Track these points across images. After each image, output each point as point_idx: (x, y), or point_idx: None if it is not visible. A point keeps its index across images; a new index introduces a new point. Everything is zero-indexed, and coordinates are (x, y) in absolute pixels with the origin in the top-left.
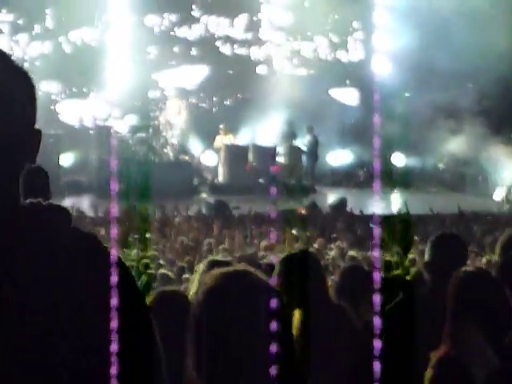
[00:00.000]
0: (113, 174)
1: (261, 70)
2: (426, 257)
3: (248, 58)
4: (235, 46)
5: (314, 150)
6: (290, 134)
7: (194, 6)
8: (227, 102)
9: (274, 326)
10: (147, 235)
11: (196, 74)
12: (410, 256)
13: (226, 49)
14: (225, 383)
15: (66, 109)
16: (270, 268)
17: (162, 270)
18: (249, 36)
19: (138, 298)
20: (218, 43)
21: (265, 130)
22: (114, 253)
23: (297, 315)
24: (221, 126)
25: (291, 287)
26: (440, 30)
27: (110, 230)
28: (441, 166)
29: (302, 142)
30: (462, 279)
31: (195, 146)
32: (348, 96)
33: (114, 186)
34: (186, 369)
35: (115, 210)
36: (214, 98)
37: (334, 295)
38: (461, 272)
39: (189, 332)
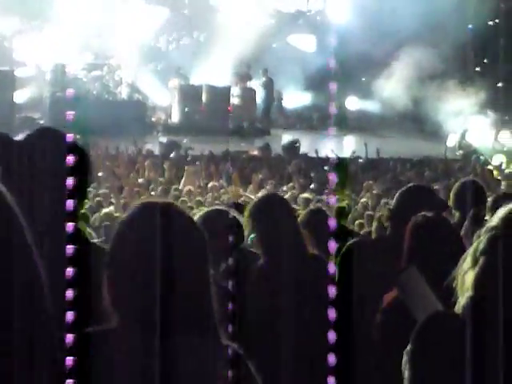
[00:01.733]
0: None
1: (220, 16)
2: (393, 205)
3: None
4: None
5: (269, 92)
6: (246, 76)
7: None
8: (183, 42)
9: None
10: (99, 173)
11: (154, 14)
12: (363, 200)
13: None
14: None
15: (20, 45)
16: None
17: (108, 209)
18: None
19: None
20: None
21: (219, 71)
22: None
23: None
24: (179, 67)
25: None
26: None
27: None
28: (397, 110)
29: (257, 84)
30: (416, 224)
31: (150, 85)
32: (306, 42)
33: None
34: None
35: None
36: (170, 38)
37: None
38: (418, 216)
39: (104, 262)
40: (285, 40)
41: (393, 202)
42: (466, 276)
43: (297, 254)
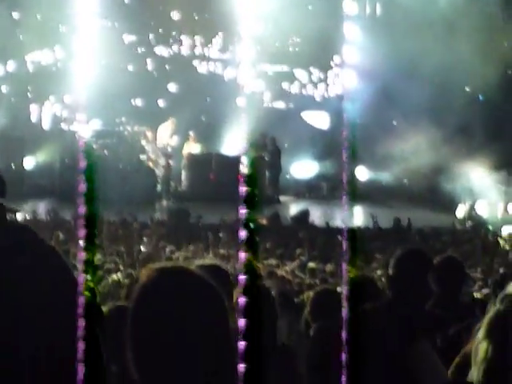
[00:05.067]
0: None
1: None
2: (390, 271)
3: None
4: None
5: (277, 161)
6: (259, 145)
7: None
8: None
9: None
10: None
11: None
12: (379, 272)
13: (202, 68)
14: (161, 377)
15: (31, 111)
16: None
17: (116, 276)
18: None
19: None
20: (194, 62)
21: (230, 140)
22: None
23: None
24: (190, 133)
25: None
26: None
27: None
28: (406, 180)
29: (265, 153)
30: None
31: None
32: (319, 119)
33: (81, 189)
34: (127, 364)
35: (83, 212)
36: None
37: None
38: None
39: (126, 327)
40: (298, 116)
41: (390, 268)
42: (480, 346)
43: None
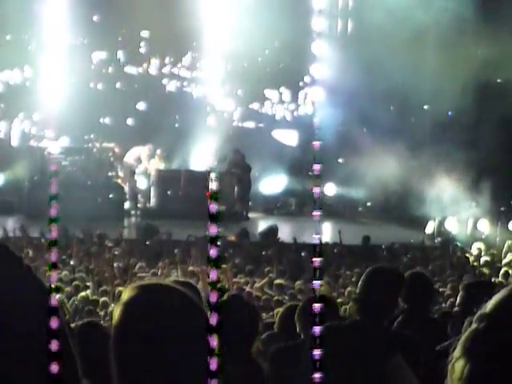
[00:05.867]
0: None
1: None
2: (360, 289)
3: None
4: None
5: (247, 177)
6: (228, 161)
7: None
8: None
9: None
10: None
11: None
12: (349, 289)
13: (171, 86)
14: None
15: (1, 128)
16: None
17: (84, 293)
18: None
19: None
20: (163, 81)
21: (198, 155)
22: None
23: None
24: (157, 152)
25: None
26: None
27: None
28: (374, 196)
29: (234, 169)
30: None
31: (128, 168)
32: (288, 137)
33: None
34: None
35: (55, 231)
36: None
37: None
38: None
39: (111, 342)
40: (268, 134)
41: (359, 288)
42: (456, 364)
43: None
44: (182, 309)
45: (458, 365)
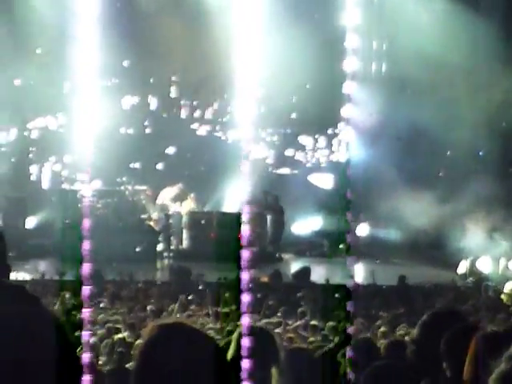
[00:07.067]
0: (83, 237)
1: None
2: (415, 332)
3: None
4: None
5: (280, 219)
6: (261, 203)
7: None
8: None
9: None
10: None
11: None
12: (382, 330)
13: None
14: None
15: (33, 171)
16: None
17: (121, 335)
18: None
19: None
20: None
21: (231, 197)
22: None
23: None
24: (190, 194)
25: None
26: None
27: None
28: (406, 236)
29: (267, 211)
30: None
31: (161, 210)
32: (323, 180)
33: (86, 248)
34: None
35: (87, 271)
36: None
37: None
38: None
39: (131, 378)
40: (303, 179)
41: (416, 330)
42: None
43: None
44: (201, 347)
45: None
